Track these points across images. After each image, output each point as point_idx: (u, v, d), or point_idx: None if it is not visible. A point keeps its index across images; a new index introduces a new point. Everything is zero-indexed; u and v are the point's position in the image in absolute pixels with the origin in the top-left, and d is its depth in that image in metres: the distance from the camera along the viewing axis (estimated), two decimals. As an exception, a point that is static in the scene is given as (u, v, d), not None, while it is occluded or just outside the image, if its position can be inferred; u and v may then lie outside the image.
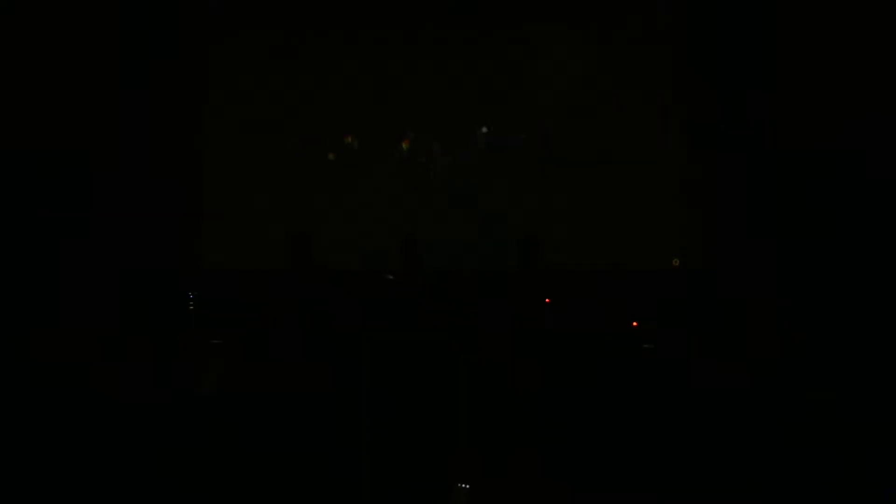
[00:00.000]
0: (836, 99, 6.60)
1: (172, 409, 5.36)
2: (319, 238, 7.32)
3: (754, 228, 6.87)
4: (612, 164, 7.49)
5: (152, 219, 7.02)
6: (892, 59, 6.49)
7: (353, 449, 5.22)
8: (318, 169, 7.65)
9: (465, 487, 4.75)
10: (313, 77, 7.60)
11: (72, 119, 6.86)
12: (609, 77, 7.51)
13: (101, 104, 6.99)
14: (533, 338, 6.01)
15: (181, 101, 7.30)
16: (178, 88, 7.28)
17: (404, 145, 7.66)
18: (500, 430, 5.37)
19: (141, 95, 7.11)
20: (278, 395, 5.46)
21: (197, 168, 7.44)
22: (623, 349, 5.96)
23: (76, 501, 4.89)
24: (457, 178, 7.65)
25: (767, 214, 6.82)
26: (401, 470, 5.11)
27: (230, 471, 5.07)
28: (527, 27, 7.58)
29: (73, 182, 6.81)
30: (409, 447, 5.24)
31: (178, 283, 6.86)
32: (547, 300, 6.64)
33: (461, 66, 7.59)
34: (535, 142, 7.61)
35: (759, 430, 5.21)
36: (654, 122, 7.42)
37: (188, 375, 5.66)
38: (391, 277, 7.03)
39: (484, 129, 7.64)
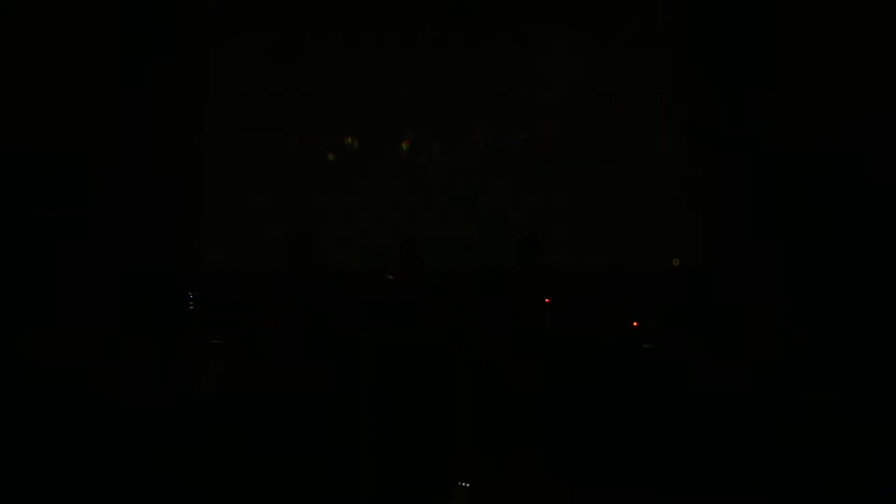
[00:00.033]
0: (836, 99, 6.60)
1: (172, 409, 5.36)
2: (319, 238, 7.32)
3: (754, 228, 6.87)
4: (612, 164, 7.49)
5: (152, 219, 7.03)
6: (892, 59, 6.49)
7: (353, 449, 5.22)
8: (318, 169, 7.65)
9: (465, 486, 4.75)
10: (313, 77, 7.60)
11: (72, 119, 6.86)
12: (609, 77, 7.51)
13: (101, 104, 6.99)
14: (533, 338, 6.01)
15: (181, 101, 7.31)
16: (178, 88, 7.28)
17: (404, 145, 7.66)
18: (500, 430, 5.37)
19: (141, 95, 7.11)
20: (278, 395, 5.46)
21: (197, 168, 7.44)
22: (623, 349, 5.96)
23: (76, 501, 4.89)
24: (457, 178, 7.65)
25: (767, 214, 6.82)
26: (401, 470, 5.11)
27: (230, 471, 5.07)
28: (527, 27, 7.58)
29: (73, 182, 6.81)
30: (409, 447, 5.24)
31: (178, 283, 6.86)
32: (547, 300, 6.64)
33: (461, 66, 7.59)
34: (535, 142, 7.61)
35: (759, 430, 5.21)
36: (654, 122, 7.42)
37: (188, 375, 5.65)
38: (391, 277, 7.03)
39: (484, 129, 7.63)
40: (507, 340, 5.97)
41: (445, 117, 7.61)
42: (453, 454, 5.11)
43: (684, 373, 5.66)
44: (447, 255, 7.40)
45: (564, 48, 7.59)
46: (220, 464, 5.09)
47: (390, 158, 7.67)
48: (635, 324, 6.36)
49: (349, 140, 7.66)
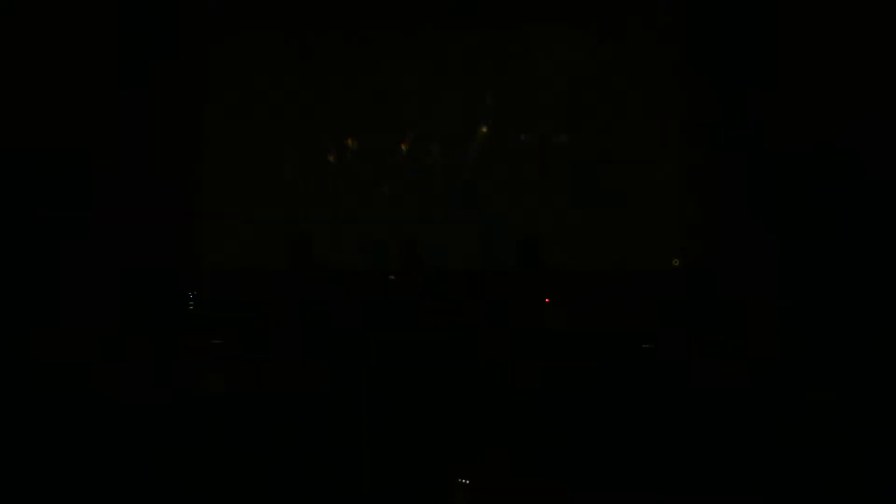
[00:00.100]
0: (836, 99, 6.59)
1: (172, 409, 5.36)
2: (319, 238, 7.31)
3: (754, 228, 6.87)
4: (612, 164, 7.49)
5: (152, 219, 7.02)
6: (892, 59, 6.49)
7: (353, 449, 5.22)
8: (318, 169, 7.64)
9: (465, 483, 4.75)
10: (313, 77, 7.59)
11: (72, 119, 6.86)
12: (609, 77, 7.51)
13: (101, 104, 6.98)
14: (533, 338, 6.01)
15: (181, 101, 7.31)
16: (178, 88, 7.28)
17: (404, 147, 7.66)
18: (500, 430, 5.37)
19: (141, 95, 7.11)
20: (278, 395, 5.47)
21: (197, 168, 7.44)
22: (623, 349, 5.96)
23: (76, 501, 4.89)
24: (457, 178, 7.64)
25: (767, 214, 6.82)
26: (401, 470, 5.11)
27: (230, 471, 5.07)
28: (527, 27, 7.58)
29: (73, 182, 6.81)
30: (409, 447, 5.24)
31: (178, 283, 6.87)
32: (547, 300, 6.64)
33: (461, 66, 7.59)
34: (535, 142, 7.60)
35: (759, 430, 5.21)
36: (654, 121, 7.42)
37: (188, 375, 5.66)
38: (391, 277, 7.03)
39: (484, 129, 7.64)
40: (507, 340, 5.97)
41: (445, 117, 7.61)
42: (453, 454, 5.10)
43: (684, 373, 5.66)
44: (447, 255, 7.40)
45: (564, 48, 7.59)
46: (220, 464, 5.09)
47: (390, 159, 7.67)
48: (635, 324, 6.36)
49: (349, 140, 7.66)
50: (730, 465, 5.02)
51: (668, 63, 7.41)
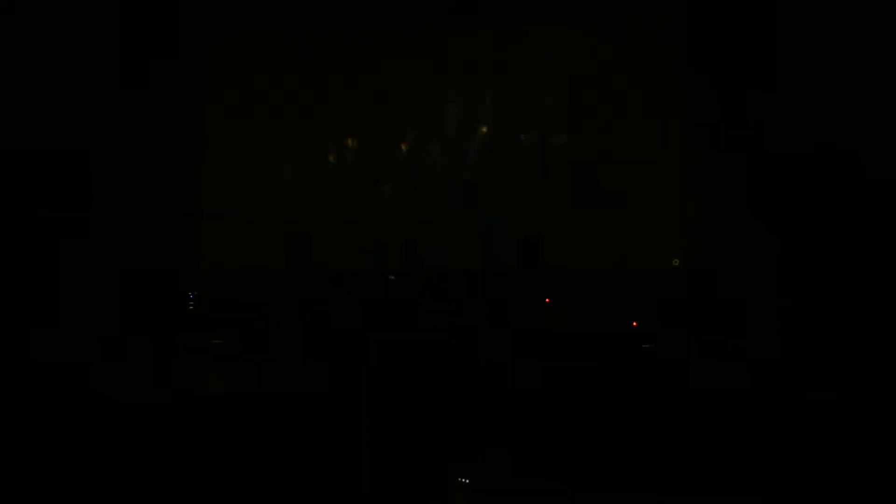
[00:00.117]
0: (836, 99, 6.59)
1: (172, 409, 5.36)
2: (319, 238, 7.31)
3: (754, 228, 6.86)
4: (612, 164, 7.49)
5: (152, 219, 7.02)
6: (892, 59, 6.49)
7: (353, 449, 5.22)
8: (318, 169, 7.64)
9: (465, 482, 4.75)
10: (313, 77, 7.59)
11: (72, 119, 6.86)
12: (609, 77, 7.50)
13: (101, 104, 6.98)
14: (533, 338, 6.01)
15: (181, 101, 7.30)
16: (178, 88, 7.28)
17: (404, 147, 7.66)
18: (500, 430, 5.37)
19: (141, 95, 7.11)
20: (278, 395, 5.47)
21: (197, 168, 7.44)
22: (623, 349, 5.96)
23: (76, 501, 4.89)
24: (457, 178, 7.64)
25: (767, 214, 6.82)
26: (401, 470, 5.11)
27: (230, 471, 5.07)
28: (527, 27, 7.58)
29: (73, 182, 6.81)
30: (409, 447, 5.24)
31: (178, 283, 6.87)
32: (547, 300, 6.64)
33: (461, 66, 7.59)
34: (535, 142, 7.60)
35: (759, 430, 5.21)
36: (654, 121, 7.42)
37: (188, 375, 5.66)
38: (391, 277, 7.03)
39: (484, 129, 7.64)
40: (507, 340, 5.97)
41: (445, 117, 7.61)
42: (453, 454, 5.10)
43: (684, 373, 5.66)
44: (447, 255, 7.40)
45: (564, 48, 7.58)
46: (220, 464, 5.09)
47: (390, 159, 7.67)
48: (635, 324, 6.36)
49: (349, 140, 7.66)
50: (730, 465, 5.02)
51: (668, 63, 7.41)
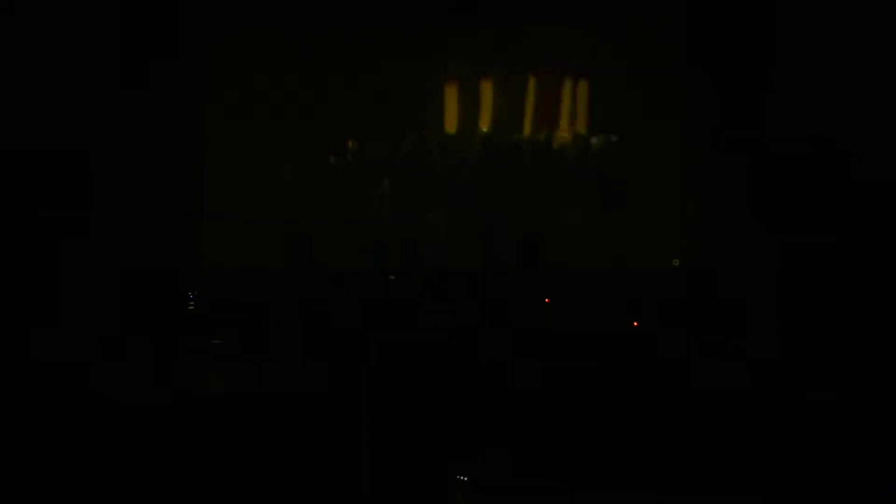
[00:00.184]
0: (836, 99, 6.59)
1: (172, 409, 5.36)
2: (319, 238, 7.31)
3: (754, 228, 6.86)
4: (612, 164, 7.49)
5: (152, 219, 7.02)
6: (892, 59, 6.49)
7: (353, 449, 5.22)
8: (318, 169, 7.64)
9: (465, 480, 4.75)
10: (313, 77, 7.59)
11: (72, 119, 6.86)
12: (609, 77, 7.50)
13: (101, 104, 6.98)
14: (533, 338, 6.01)
15: (181, 101, 7.30)
16: (178, 88, 7.28)
17: (404, 147, 7.66)
18: (500, 430, 5.37)
19: (141, 95, 7.10)
20: (278, 395, 5.47)
21: (197, 168, 7.44)
22: (623, 349, 5.96)
23: (76, 501, 4.89)
24: (457, 178, 7.64)
25: (767, 214, 6.82)
26: (401, 470, 5.11)
27: (230, 471, 5.07)
28: (527, 27, 7.57)
29: (73, 182, 6.80)
30: (409, 447, 5.24)
31: (178, 283, 6.86)
32: (547, 300, 6.64)
33: (461, 66, 7.59)
34: (535, 142, 7.60)
35: (759, 430, 5.21)
36: (654, 122, 7.42)
37: (188, 375, 5.66)
38: (391, 277, 7.03)
39: (484, 129, 7.64)
40: (507, 340, 5.97)
41: (445, 117, 7.61)
42: (453, 454, 5.10)
43: (684, 373, 5.66)
44: (447, 255, 7.40)
45: (564, 48, 7.58)
46: (220, 464, 5.09)
47: (390, 158, 7.67)
48: (635, 324, 6.36)
49: (349, 141, 7.66)
50: (730, 465, 5.02)
51: (668, 63, 7.41)
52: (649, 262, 7.28)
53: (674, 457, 5.07)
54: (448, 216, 7.57)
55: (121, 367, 5.63)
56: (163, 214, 7.07)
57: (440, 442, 5.26)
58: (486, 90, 7.60)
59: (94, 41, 6.97)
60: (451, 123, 7.62)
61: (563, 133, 7.61)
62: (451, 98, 7.60)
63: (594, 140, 7.55)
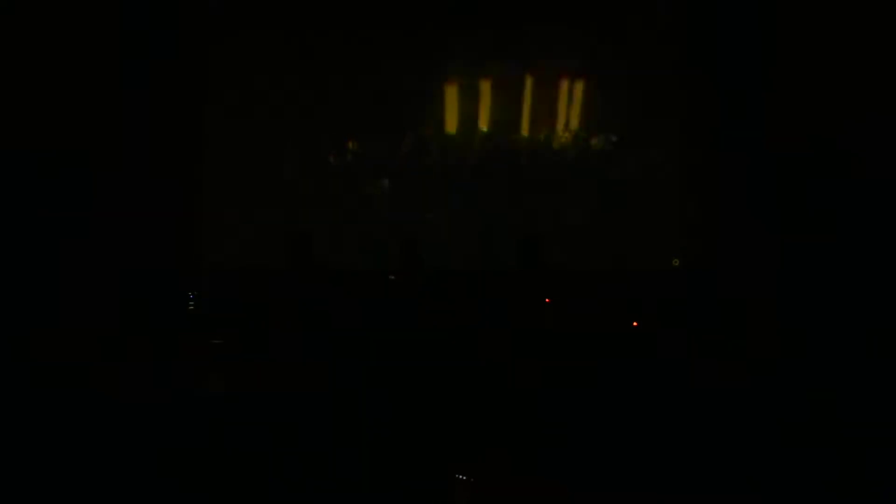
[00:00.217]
0: (836, 99, 6.59)
1: (172, 409, 5.36)
2: (319, 238, 7.31)
3: (754, 228, 6.86)
4: (612, 164, 7.49)
5: (152, 219, 7.02)
6: (892, 59, 6.49)
7: (353, 449, 5.22)
8: (318, 169, 7.64)
9: (465, 479, 4.75)
10: (313, 77, 7.59)
11: (72, 119, 6.86)
12: (609, 77, 7.50)
13: (101, 104, 6.98)
14: (533, 338, 6.01)
15: (181, 101, 7.30)
16: (178, 88, 7.28)
17: (404, 147, 7.66)
18: (500, 430, 5.37)
19: (141, 95, 7.10)
20: (278, 395, 5.47)
21: (197, 168, 7.44)
22: (623, 349, 5.96)
23: (76, 501, 4.89)
24: (457, 178, 7.64)
25: (767, 214, 6.82)
26: (401, 470, 5.12)
27: (230, 471, 5.07)
28: (527, 27, 7.57)
29: (73, 182, 6.81)
30: (409, 447, 5.24)
31: (178, 283, 6.86)
32: (547, 300, 6.64)
33: (461, 66, 7.59)
34: (535, 142, 7.60)
35: (759, 430, 5.21)
36: (654, 122, 7.42)
37: (188, 375, 5.66)
38: (391, 277, 7.03)
39: (484, 129, 7.64)
40: (507, 340, 5.97)
41: (445, 117, 7.61)
42: (453, 454, 5.11)
43: (684, 373, 5.66)
44: (447, 255, 7.40)
45: (564, 48, 7.58)
46: (220, 464, 5.09)
47: (390, 158, 7.67)
48: (635, 324, 6.36)
49: (349, 141, 7.66)
50: (730, 465, 5.02)
51: (668, 63, 7.41)
52: (649, 262, 7.28)
53: (674, 457, 5.07)
54: (448, 216, 7.57)
55: (121, 367, 5.63)
56: (163, 214, 7.07)
57: (440, 442, 5.26)
58: (486, 90, 7.60)
59: (94, 41, 6.97)
60: (451, 123, 7.62)
61: (563, 133, 7.61)
62: (451, 98, 7.60)
63: (594, 140, 7.55)
